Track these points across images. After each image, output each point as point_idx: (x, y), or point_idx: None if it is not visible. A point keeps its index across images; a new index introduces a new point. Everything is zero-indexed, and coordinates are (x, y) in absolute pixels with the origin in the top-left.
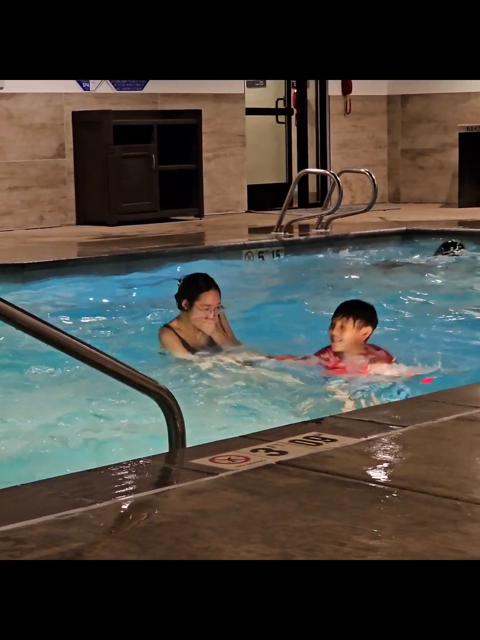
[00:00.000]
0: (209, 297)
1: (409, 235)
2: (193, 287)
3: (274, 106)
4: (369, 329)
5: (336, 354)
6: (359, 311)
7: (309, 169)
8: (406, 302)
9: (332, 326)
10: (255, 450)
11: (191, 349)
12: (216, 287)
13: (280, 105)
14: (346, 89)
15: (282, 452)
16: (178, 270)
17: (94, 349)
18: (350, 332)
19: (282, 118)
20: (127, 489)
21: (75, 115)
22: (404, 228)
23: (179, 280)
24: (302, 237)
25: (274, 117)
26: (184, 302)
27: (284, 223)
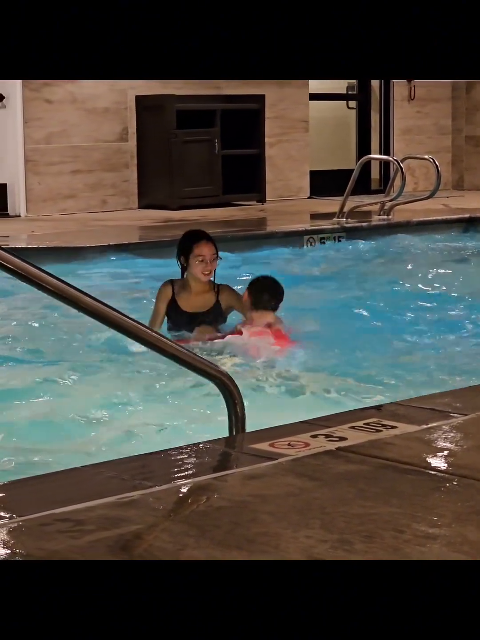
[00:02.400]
0: (203, 248)
1: (472, 223)
2: (188, 241)
3: (342, 92)
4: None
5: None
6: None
7: (372, 156)
8: (468, 290)
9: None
10: (315, 436)
11: (180, 313)
12: (210, 239)
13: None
14: None
15: (342, 438)
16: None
17: (156, 333)
18: None
19: (352, 104)
20: (186, 472)
21: (139, 99)
22: (467, 215)
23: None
24: (364, 224)
25: (337, 102)
26: (182, 259)
27: (346, 209)
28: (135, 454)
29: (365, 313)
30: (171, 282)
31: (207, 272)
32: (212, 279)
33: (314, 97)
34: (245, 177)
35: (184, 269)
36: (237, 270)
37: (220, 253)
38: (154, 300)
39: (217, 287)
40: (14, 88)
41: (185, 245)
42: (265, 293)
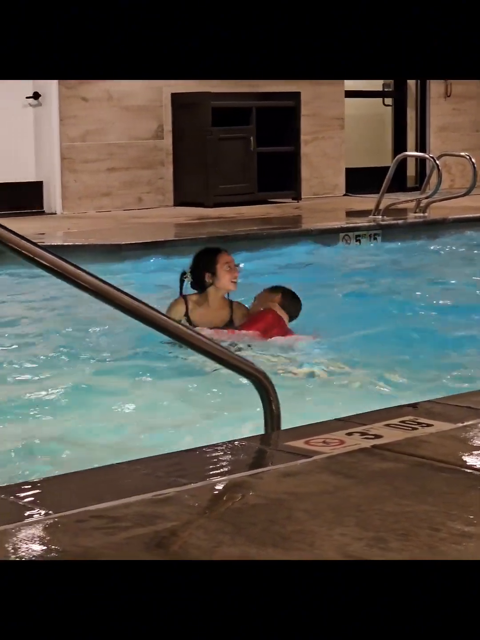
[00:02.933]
0: (226, 256)
1: None
2: (209, 255)
3: (378, 89)
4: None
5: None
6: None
7: (408, 153)
8: None
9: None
10: (350, 434)
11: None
12: (225, 250)
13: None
14: None
15: (377, 436)
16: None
17: (191, 330)
18: None
19: (388, 101)
20: (222, 469)
21: (174, 97)
22: None
23: (184, 274)
24: (400, 221)
25: (373, 99)
26: (207, 276)
27: (382, 207)
28: (171, 451)
29: (400, 311)
30: (184, 297)
31: (235, 279)
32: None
33: (350, 94)
34: (280, 174)
35: (205, 285)
36: (272, 268)
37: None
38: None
39: (231, 303)
40: (49, 86)
41: (208, 259)
42: (296, 306)
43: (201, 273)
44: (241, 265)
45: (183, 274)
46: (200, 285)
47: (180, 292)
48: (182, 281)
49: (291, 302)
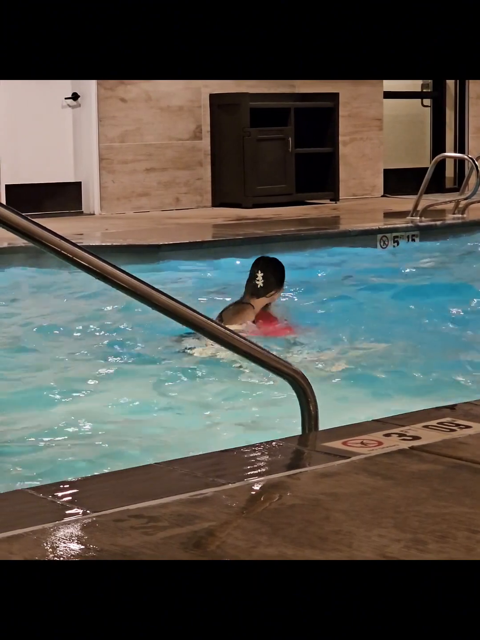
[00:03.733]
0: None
1: None
2: (282, 276)
3: (416, 90)
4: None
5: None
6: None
7: (447, 153)
8: None
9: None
10: (388, 435)
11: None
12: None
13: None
14: None
15: (415, 437)
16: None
17: (229, 330)
18: None
19: (426, 101)
20: (259, 470)
21: (213, 97)
22: None
23: (259, 276)
24: (438, 222)
25: (411, 100)
26: (276, 291)
27: (420, 208)
28: (209, 452)
29: (439, 312)
30: (251, 306)
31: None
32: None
33: (389, 95)
34: (318, 175)
35: (270, 295)
36: (309, 269)
37: None
38: (227, 298)
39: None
40: (88, 87)
41: (281, 279)
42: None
43: (278, 286)
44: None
45: (255, 278)
46: (264, 292)
47: (248, 297)
48: (254, 286)
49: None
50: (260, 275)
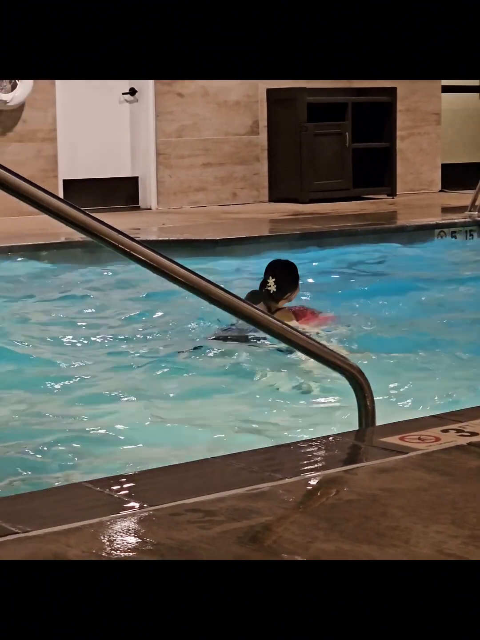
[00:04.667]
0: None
1: None
2: (293, 277)
3: (475, 84)
4: None
5: None
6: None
7: None
8: None
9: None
10: (445, 431)
11: None
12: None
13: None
14: None
15: (473, 434)
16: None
17: (286, 325)
18: None
19: None
20: (316, 465)
21: (270, 92)
22: None
23: (270, 282)
24: None
25: (470, 94)
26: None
27: (478, 203)
28: (265, 446)
29: None
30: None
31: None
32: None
33: (447, 89)
34: (376, 170)
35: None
36: (366, 264)
37: None
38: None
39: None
40: (146, 82)
41: (297, 281)
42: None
43: (295, 287)
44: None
45: (267, 284)
46: (278, 296)
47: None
48: (268, 291)
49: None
50: (271, 281)
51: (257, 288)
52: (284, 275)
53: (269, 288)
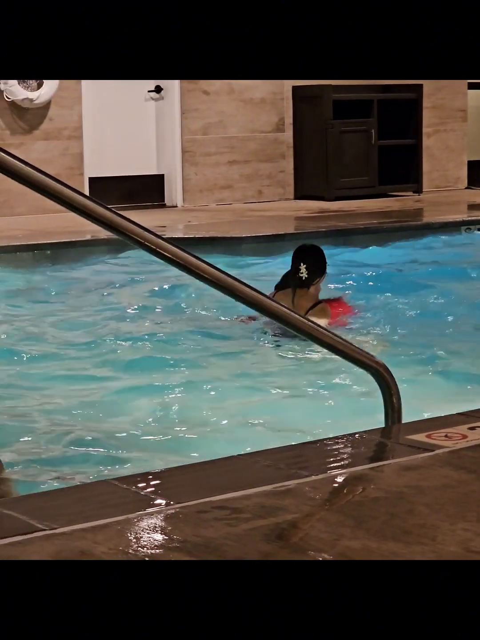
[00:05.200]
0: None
1: None
2: (323, 262)
3: None
4: None
5: None
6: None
7: None
8: None
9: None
10: (473, 428)
11: None
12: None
13: None
14: None
15: None
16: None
17: (312, 322)
18: None
19: None
20: (342, 462)
21: (295, 89)
22: None
23: (302, 268)
24: None
25: None
26: (320, 278)
27: None
28: (292, 443)
29: None
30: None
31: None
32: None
33: (473, 86)
34: (401, 167)
35: (314, 284)
36: (392, 262)
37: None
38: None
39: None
40: (171, 79)
41: (324, 266)
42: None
43: (323, 273)
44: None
45: (299, 271)
46: (309, 282)
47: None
48: (300, 279)
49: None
50: (303, 267)
51: (287, 275)
52: (316, 261)
53: (301, 274)
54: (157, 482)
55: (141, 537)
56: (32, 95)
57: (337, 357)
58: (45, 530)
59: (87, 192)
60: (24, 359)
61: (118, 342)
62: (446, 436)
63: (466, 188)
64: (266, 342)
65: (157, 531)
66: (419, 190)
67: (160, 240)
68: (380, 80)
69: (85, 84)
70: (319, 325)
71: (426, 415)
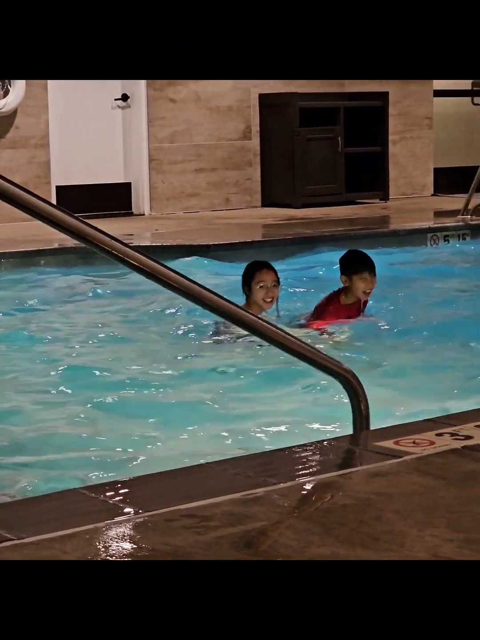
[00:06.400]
0: (263, 275)
1: None
2: (248, 270)
3: (467, 88)
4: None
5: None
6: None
7: None
8: None
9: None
10: (440, 434)
11: None
12: (271, 267)
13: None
14: None
15: (467, 437)
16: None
17: (280, 329)
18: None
19: (477, 99)
20: (310, 470)
21: (262, 97)
22: None
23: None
24: None
25: (462, 98)
26: (245, 289)
27: (470, 206)
28: (260, 451)
29: None
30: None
31: (268, 299)
32: (276, 310)
33: (439, 93)
34: (368, 174)
35: (247, 297)
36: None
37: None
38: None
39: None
40: (138, 88)
41: (248, 273)
42: (361, 266)
43: (244, 284)
44: (281, 285)
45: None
46: (245, 295)
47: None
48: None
49: (355, 264)
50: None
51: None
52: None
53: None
54: (126, 490)
55: (110, 546)
56: None
57: (305, 364)
58: (13, 539)
59: (54, 201)
60: None
61: (84, 350)
62: (414, 443)
63: (432, 195)
64: (233, 349)
65: (125, 540)
66: (385, 197)
67: (127, 249)
68: (381, 80)
69: (52, 92)
70: (286, 333)
71: (394, 422)
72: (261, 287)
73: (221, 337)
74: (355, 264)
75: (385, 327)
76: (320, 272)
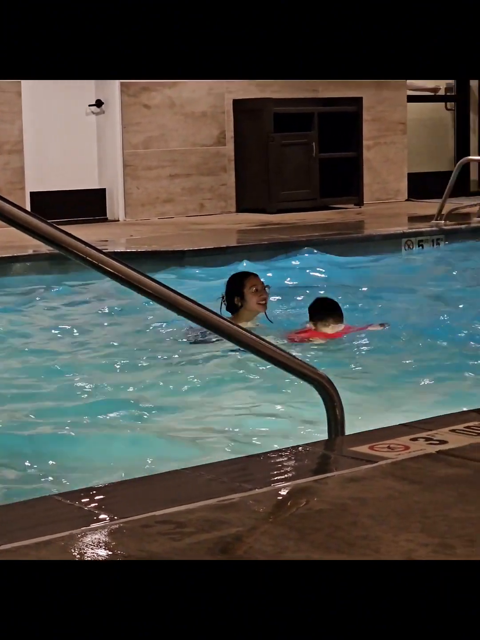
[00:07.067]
0: (253, 279)
1: None
2: (236, 281)
3: (440, 93)
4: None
5: None
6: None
7: (471, 157)
8: None
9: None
10: (415, 439)
11: None
12: (255, 274)
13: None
14: None
15: (442, 442)
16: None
17: (255, 335)
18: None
19: (450, 105)
20: (286, 475)
21: (236, 103)
22: None
23: (222, 297)
24: (463, 226)
25: (435, 104)
26: (236, 299)
27: (444, 212)
28: (235, 457)
29: (464, 316)
30: None
31: (262, 301)
32: (266, 314)
33: (412, 98)
34: (342, 180)
35: (237, 308)
36: (335, 273)
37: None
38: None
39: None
40: (112, 93)
41: (236, 283)
42: (326, 314)
43: (231, 297)
44: (268, 287)
45: (221, 297)
46: (233, 309)
47: (231, 312)
48: (220, 305)
49: (322, 312)
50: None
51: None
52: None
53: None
54: (101, 497)
55: (85, 553)
56: None
57: (280, 370)
58: None
59: (28, 207)
60: None
61: (58, 356)
62: (389, 447)
63: (406, 200)
64: (208, 355)
65: (101, 546)
66: (360, 202)
67: (101, 255)
68: (380, 80)
69: (26, 97)
70: (262, 339)
71: (369, 427)
72: (255, 291)
73: (197, 343)
74: (321, 312)
75: (359, 331)
76: (297, 277)
